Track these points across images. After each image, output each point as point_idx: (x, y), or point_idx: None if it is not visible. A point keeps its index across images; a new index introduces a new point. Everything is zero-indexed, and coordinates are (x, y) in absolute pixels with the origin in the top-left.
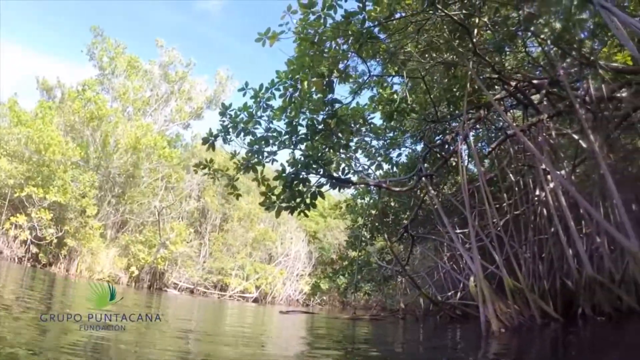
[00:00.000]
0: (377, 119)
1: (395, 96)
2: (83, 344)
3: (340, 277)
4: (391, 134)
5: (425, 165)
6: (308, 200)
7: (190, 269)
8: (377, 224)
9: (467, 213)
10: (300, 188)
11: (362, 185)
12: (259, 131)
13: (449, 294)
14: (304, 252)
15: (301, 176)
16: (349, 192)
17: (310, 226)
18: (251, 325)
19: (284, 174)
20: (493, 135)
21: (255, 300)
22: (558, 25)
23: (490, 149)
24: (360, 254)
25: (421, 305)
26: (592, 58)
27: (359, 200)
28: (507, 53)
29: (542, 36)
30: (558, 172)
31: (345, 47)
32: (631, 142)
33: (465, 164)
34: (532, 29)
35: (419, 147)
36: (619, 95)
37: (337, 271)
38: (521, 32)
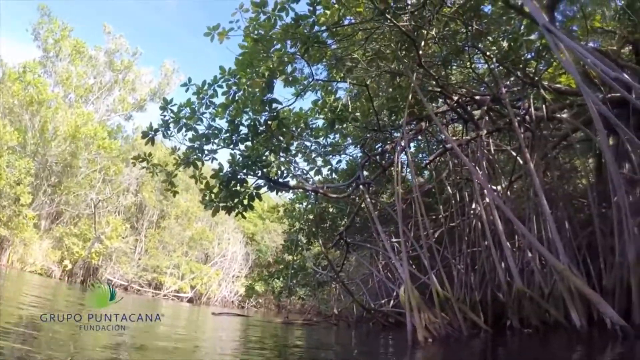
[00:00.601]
0: (319, 124)
1: (338, 103)
2: None
3: (276, 280)
4: (332, 139)
5: (365, 173)
6: (245, 202)
7: (125, 266)
8: (314, 229)
9: (400, 222)
10: (237, 188)
11: (301, 191)
12: (201, 128)
13: (383, 301)
14: (241, 254)
15: (239, 176)
16: (288, 196)
17: (248, 228)
18: (185, 326)
19: (221, 173)
20: (434, 147)
21: (190, 301)
22: (505, 44)
23: (428, 161)
24: (296, 258)
25: (354, 312)
26: (535, 78)
27: (297, 205)
28: (454, 68)
29: (488, 53)
30: (494, 187)
31: (292, 50)
32: (569, 162)
33: (405, 174)
34: (480, 45)
35: (360, 154)
36: (559, 115)
37: (273, 274)
38: (468, 48)
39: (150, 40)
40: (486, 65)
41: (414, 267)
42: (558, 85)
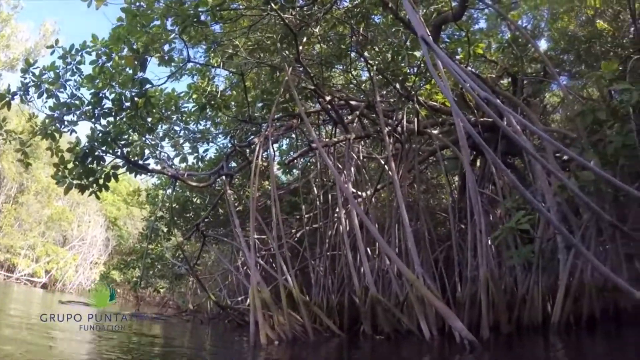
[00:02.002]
0: (190, 108)
1: (213, 88)
2: None
3: (132, 269)
4: (202, 126)
5: (233, 165)
6: (101, 181)
7: None
8: (175, 218)
9: (252, 218)
10: (93, 166)
11: (165, 176)
12: (63, 96)
13: (240, 299)
14: (101, 239)
15: (96, 153)
16: (153, 181)
17: (111, 211)
18: (38, 314)
19: (77, 147)
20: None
21: (44, 286)
22: (389, 55)
23: (292, 158)
24: (154, 247)
25: (209, 309)
26: (412, 92)
27: (160, 192)
28: (335, 71)
29: (370, 62)
30: (360, 194)
31: (172, 28)
32: (436, 178)
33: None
34: (364, 53)
35: (229, 145)
36: (429, 131)
37: (129, 263)
38: (352, 54)
39: None
40: (368, 74)
41: (274, 266)
42: (433, 103)
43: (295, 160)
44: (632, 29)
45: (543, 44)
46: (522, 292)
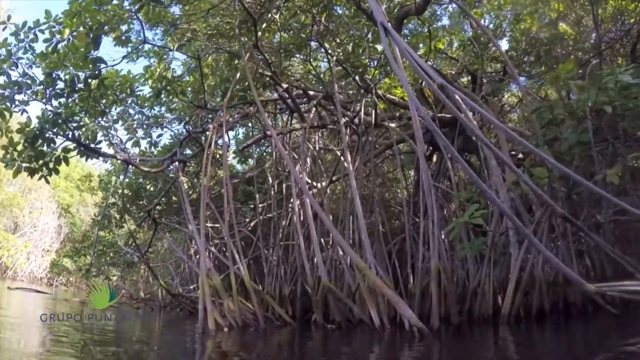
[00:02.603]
0: (145, 93)
1: (169, 72)
2: None
3: (83, 257)
4: (157, 111)
5: (188, 152)
6: (52, 165)
7: None
8: (128, 205)
9: (202, 206)
10: (44, 149)
11: (119, 162)
12: (15, 74)
13: (192, 287)
14: (53, 226)
15: (47, 135)
16: (106, 166)
17: (64, 198)
18: None
19: (27, 129)
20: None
21: None
22: (349, 47)
23: (246, 145)
24: (106, 234)
25: (160, 297)
26: (371, 85)
27: (113, 177)
28: (295, 60)
29: (331, 52)
30: (315, 184)
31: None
32: (392, 172)
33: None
34: (325, 44)
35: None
36: (387, 124)
37: (79, 250)
38: (312, 44)
39: None
40: (327, 65)
41: (227, 255)
42: (392, 97)
43: (249, 148)
44: (594, 34)
45: (504, 44)
46: (474, 284)
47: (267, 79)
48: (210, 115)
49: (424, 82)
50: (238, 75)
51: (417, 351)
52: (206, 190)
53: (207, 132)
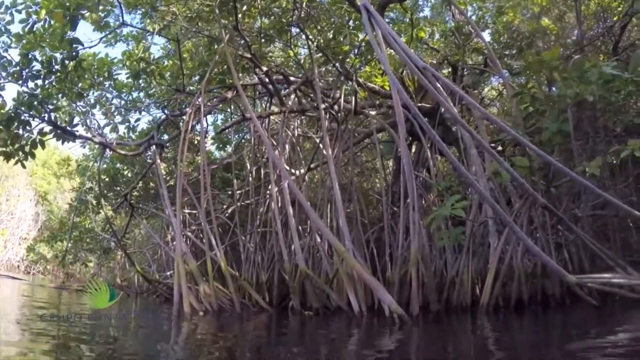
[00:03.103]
0: (123, 76)
1: (147, 55)
2: None
3: (60, 242)
4: (135, 95)
5: (166, 137)
6: (27, 148)
7: None
8: (105, 191)
9: (178, 189)
10: (19, 132)
11: (97, 147)
12: None
13: (169, 273)
14: (30, 213)
15: (22, 118)
16: (84, 151)
17: (41, 185)
18: None
19: (2, 111)
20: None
21: None
22: (330, 34)
23: (224, 127)
24: (83, 219)
25: (137, 283)
26: (352, 72)
27: (91, 163)
28: (276, 46)
29: (311, 38)
30: (293, 171)
31: None
32: (371, 161)
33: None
34: (305, 30)
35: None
36: (367, 111)
37: (56, 236)
38: (293, 29)
39: None
40: (308, 51)
41: (203, 241)
42: (372, 85)
43: (227, 131)
44: (576, 31)
45: (486, 37)
46: (452, 274)
47: (247, 62)
48: (188, 100)
49: (404, 72)
50: (217, 57)
51: (397, 337)
52: (182, 174)
53: (184, 115)
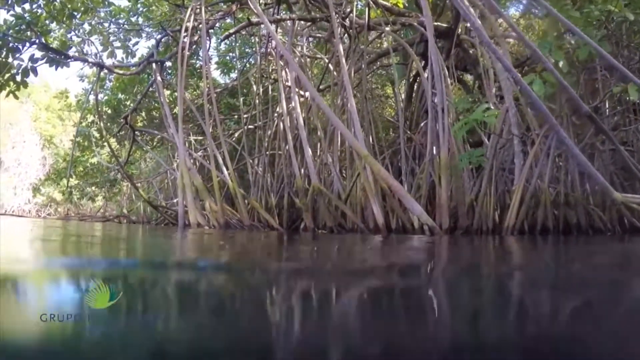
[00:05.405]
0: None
1: None
2: None
3: (64, 180)
4: (134, 19)
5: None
6: (19, 78)
7: None
8: (108, 123)
9: (180, 105)
10: (9, 60)
11: (94, 69)
12: None
13: (175, 200)
14: (37, 158)
15: (10, 45)
16: (83, 86)
17: (46, 129)
18: None
19: None
20: (247, 49)
21: None
22: None
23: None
24: (86, 153)
25: (142, 212)
26: None
27: (91, 97)
28: None
29: None
30: (302, 93)
31: None
32: (382, 88)
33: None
34: None
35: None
36: (382, 27)
37: (60, 172)
38: None
39: None
40: None
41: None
42: (386, 3)
43: (231, 56)
44: None
45: None
46: (472, 197)
47: None
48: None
49: None
50: None
51: (428, 249)
52: (183, 83)
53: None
